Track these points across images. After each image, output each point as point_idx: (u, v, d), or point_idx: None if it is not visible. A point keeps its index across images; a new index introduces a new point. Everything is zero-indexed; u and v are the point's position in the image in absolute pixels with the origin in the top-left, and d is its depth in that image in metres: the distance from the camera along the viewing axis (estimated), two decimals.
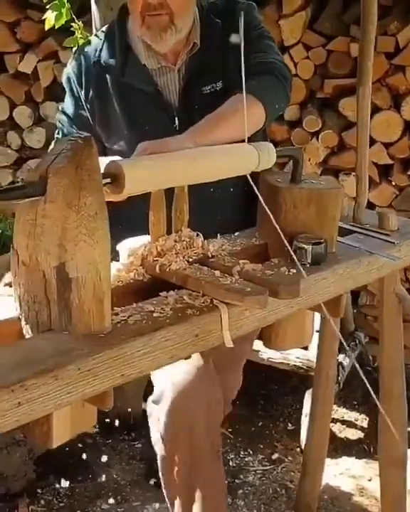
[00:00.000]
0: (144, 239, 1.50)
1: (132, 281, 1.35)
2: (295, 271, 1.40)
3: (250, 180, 1.42)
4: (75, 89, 1.82)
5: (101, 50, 1.79)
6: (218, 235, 1.62)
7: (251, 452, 2.70)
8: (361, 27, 1.74)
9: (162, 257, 1.37)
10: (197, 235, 1.47)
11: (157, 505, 2.39)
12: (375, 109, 2.97)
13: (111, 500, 2.41)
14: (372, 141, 3.00)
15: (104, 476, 2.53)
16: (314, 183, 1.56)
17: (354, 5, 2.90)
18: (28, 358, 1.04)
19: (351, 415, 2.97)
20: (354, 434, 2.86)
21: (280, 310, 1.38)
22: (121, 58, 1.76)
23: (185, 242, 1.41)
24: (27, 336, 1.17)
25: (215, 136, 1.49)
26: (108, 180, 1.18)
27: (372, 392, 1.61)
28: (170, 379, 1.67)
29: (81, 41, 1.80)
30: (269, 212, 1.42)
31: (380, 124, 2.94)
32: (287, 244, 1.41)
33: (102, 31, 1.83)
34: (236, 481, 2.54)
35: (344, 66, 2.97)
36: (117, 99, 1.77)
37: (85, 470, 2.54)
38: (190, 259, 1.37)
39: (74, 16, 1.85)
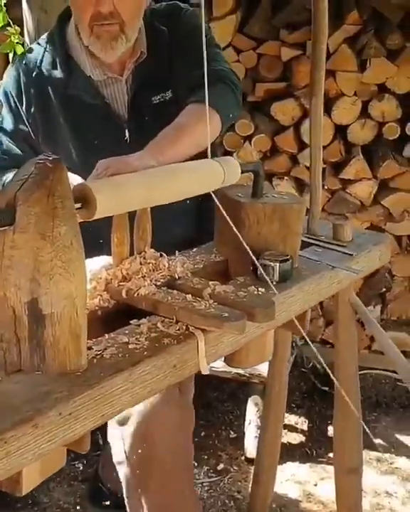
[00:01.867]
0: (102, 260, 1.41)
1: (97, 308, 1.26)
2: (263, 290, 1.36)
3: (214, 196, 1.37)
4: (13, 104, 1.70)
5: (42, 60, 1.68)
6: (176, 251, 1.56)
7: (196, 464, 2.64)
8: (312, 38, 1.71)
9: (128, 281, 1.30)
10: (161, 255, 1.40)
11: None
12: (306, 114, 2.98)
13: None
14: (304, 146, 3.02)
15: (45, 500, 2.42)
16: (276, 198, 1.52)
17: (284, 9, 2.90)
18: (3, 406, 0.94)
19: (290, 419, 2.97)
20: (295, 439, 2.86)
21: (252, 331, 1.34)
22: (64, 70, 1.66)
23: (151, 265, 1.34)
24: None
25: (176, 152, 1.43)
26: (79, 205, 1.09)
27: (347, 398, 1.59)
28: None
29: (18, 47, 1.67)
30: (236, 230, 1.37)
31: None
32: (257, 263, 1.37)
33: (43, 39, 1.72)
34: None
35: (274, 70, 2.96)
36: (62, 113, 1.67)
37: (24, 496, 2.40)
38: (158, 283, 1.30)
39: (10, 20, 1.73)
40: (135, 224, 1.36)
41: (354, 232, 1.78)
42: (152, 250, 1.39)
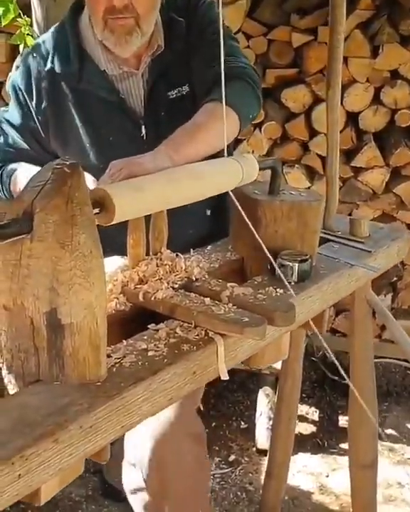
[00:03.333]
0: (116, 261, 1.39)
1: (113, 311, 1.24)
2: (281, 291, 1.34)
3: (231, 195, 1.34)
4: (22, 99, 1.65)
5: (54, 55, 1.61)
6: (191, 249, 1.53)
7: (207, 455, 2.64)
8: (330, 28, 1.67)
9: (145, 284, 1.27)
10: (177, 255, 1.37)
11: None
12: (317, 100, 2.93)
13: None
14: (315, 133, 2.98)
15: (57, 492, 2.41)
16: (293, 195, 1.49)
17: None
18: (23, 420, 0.92)
19: (301, 409, 2.94)
20: (306, 429, 2.85)
21: (271, 334, 1.31)
22: (77, 64, 1.59)
23: (167, 266, 1.31)
24: (10, 387, 1.04)
25: (191, 152, 1.38)
26: (97, 210, 1.06)
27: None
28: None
29: (28, 38, 1.62)
30: (253, 229, 1.34)
31: (323, 115, 2.87)
32: (275, 265, 1.34)
33: (54, 30, 1.66)
34: None
35: (285, 56, 2.90)
36: (76, 110, 1.62)
37: None
38: (175, 285, 1.28)
39: (20, 11, 1.68)
40: (151, 225, 1.33)
41: (371, 227, 1.74)
42: (168, 251, 1.36)
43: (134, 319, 1.26)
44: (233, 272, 1.51)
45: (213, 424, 2.82)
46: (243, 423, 2.85)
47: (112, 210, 1.07)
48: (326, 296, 1.46)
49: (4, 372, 1.04)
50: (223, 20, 1.73)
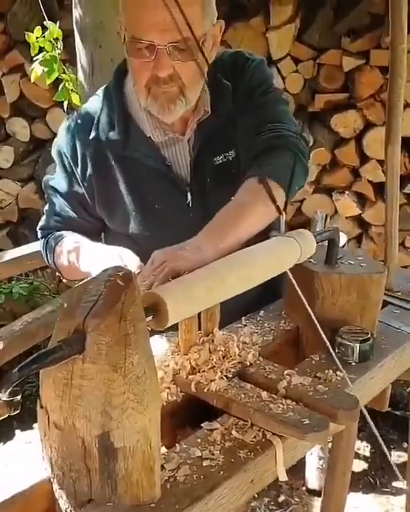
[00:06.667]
0: (162, 343, 1.32)
1: (165, 403, 1.18)
2: (342, 374, 1.27)
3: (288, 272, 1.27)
4: (68, 166, 1.60)
5: (98, 122, 1.55)
6: (243, 318, 1.47)
7: (256, 495, 2.59)
8: (390, 78, 1.58)
9: (197, 372, 1.21)
10: (229, 336, 1.30)
11: None
12: (368, 125, 2.84)
13: None
14: (366, 159, 2.87)
15: None
16: (352, 265, 1.41)
17: (345, 16, 2.72)
18: None
19: None
20: (358, 466, 2.77)
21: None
22: (122, 131, 1.53)
23: (220, 352, 1.25)
24: (61, 502, 0.99)
25: (235, 237, 1.31)
26: (150, 317, 1.00)
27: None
28: None
29: (73, 95, 1.56)
30: (309, 309, 1.27)
31: (374, 140, 2.80)
32: (329, 345, 1.26)
33: (99, 94, 1.60)
34: None
35: (335, 80, 2.82)
36: (121, 177, 1.56)
37: None
38: (228, 374, 1.21)
39: (64, 67, 1.62)
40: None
41: None
42: (221, 333, 1.30)
43: (186, 408, 1.21)
44: (287, 343, 1.45)
45: None
46: None
47: (165, 316, 1.02)
48: (388, 374, 1.38)
49: (55, 486, 1.00)
50: (272, 82, 1.64)
